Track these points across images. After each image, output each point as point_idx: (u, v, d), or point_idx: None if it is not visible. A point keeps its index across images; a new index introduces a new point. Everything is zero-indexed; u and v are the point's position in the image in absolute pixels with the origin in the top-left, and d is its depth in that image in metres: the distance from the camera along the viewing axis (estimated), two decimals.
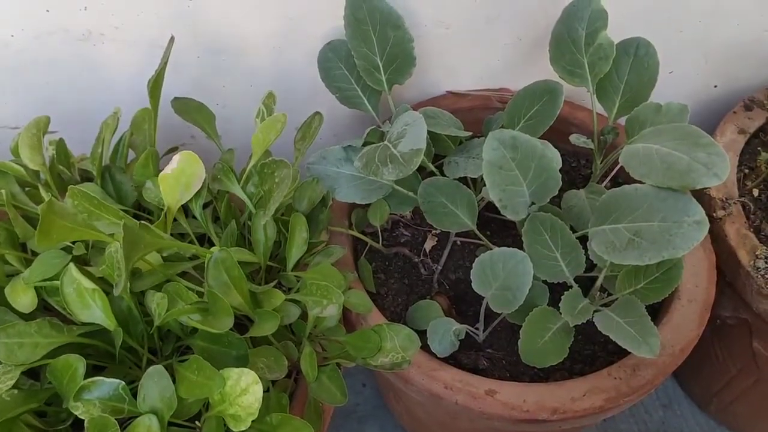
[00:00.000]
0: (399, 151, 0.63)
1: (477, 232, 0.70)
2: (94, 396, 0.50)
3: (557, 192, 0.65)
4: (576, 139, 0.73)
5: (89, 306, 0.54)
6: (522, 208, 0.64)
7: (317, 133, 0.73)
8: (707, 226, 0.56)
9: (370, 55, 0.74)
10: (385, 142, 0.66)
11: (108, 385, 0.50)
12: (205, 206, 0.66)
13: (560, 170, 0.65)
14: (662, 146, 0.58)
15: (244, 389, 0.50)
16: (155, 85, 0.65)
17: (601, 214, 0.61)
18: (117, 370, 0.58)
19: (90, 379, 0.50)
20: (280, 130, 0.65)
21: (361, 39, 0.74)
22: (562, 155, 0.70)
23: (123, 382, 0.50)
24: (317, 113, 0.73)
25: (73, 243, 0.60)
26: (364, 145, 0.70)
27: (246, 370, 0.50)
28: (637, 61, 0.72)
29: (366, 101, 0.78)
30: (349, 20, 0.73)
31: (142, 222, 0.52)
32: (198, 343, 0.57)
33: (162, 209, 0.62)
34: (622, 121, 0.73)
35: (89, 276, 0.54)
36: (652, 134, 0.61)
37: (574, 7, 0.73)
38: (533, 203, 0.65)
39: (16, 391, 0.51)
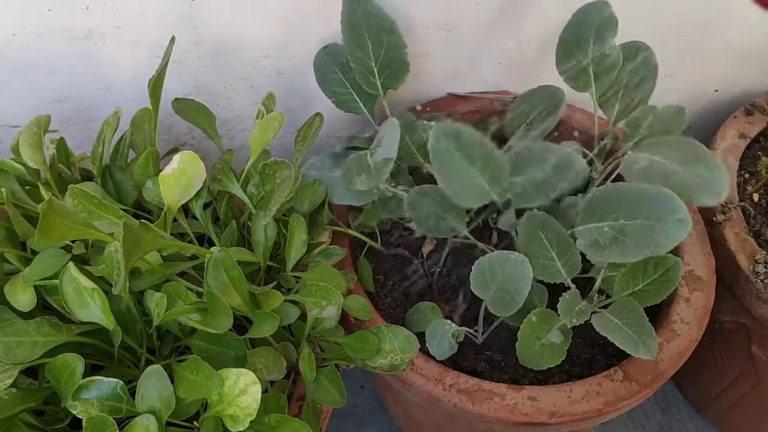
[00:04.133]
0: (373, 161, 0.63)
1: (469, 236, 0.70)
2: (92, 395, 0.50)
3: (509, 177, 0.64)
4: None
5: (88, 305, 0.54)
6: (476, 195, 0.64)
7: (318, 134, 0.73)
8: (690, 224, 0.56)
9: (365, 59, 0.74)
10: (367, 150, 0.66)
11: (106, 384, 0.50)
12: (205, 206, 0.66)
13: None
14: (663, 158, 0.58)
15: (242, 390, 0.50)
16: (156, 85, 0.65)
17: (587, 213, 0.61)
18: (115, 369, 0.58)
19: (88, 379, 0.50)
20: (277, 129, 0.65)
21: (356, 44, 0.74)
22: None
23: (121, 382, 0.50)
24: (318, 114, 0.73)
25: (73, 242, 0.60)
26: (351, 149, 0.71)
27: (244, 370, 0.50)
28: (636, 65, 0.72)
29: (362, 105, 0.78)
30: (346, 25, 0.73)
31: (142, 221, 0.52)
32: (197, 343, 0.57)
33: (162, 209, 0.62)
34: (622, 124, 0.73)
35: (88, 275, 0.54)
36: (653, 145, 0.61)
37: (584, 13, 0.73)
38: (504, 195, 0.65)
39: (14, 390, 0.51)
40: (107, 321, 0.54)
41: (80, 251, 0.59)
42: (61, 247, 0.59)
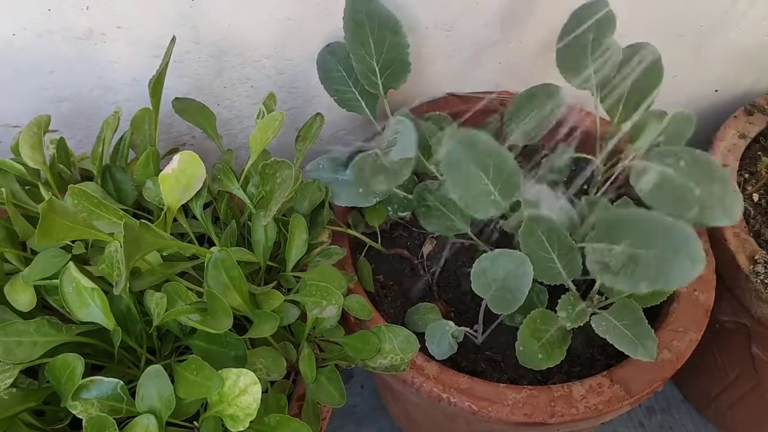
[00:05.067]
0: (389, 161, 0.62)
1: (471, 235, 0.70)
2: (92, 395, 0.50)
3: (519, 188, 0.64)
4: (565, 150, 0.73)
5: (88, 305, 0.54)
6: (486, 206, 0.63)
7: (318, 134, 0.73)
8: (704, 265, 0.53)
9: (367, 58, 0.74)
10: (376, 150, 0.65)
11: (106, 384, 0.50)
12: (205, 206, 0.66)
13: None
14: (675, 172, 0.57)
15: (242, 390, 0.50)
16: (156, 84, 0.65)
17: (601, 231, 0.60)
18: (115, 369, 0.58)
19: (88, 378, 0.50)
20: (277, 129, 0.64)
21: (359, 42, 0.74)
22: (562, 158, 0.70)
23: (121, 382, 0.50)
24: (318, 114, 0.73)
25: (73, 242, 0.60)
26: (360, 150, 0.70)
27: (244, 370, 0.50)
28: (642, 66, 0.72)
29: (363, 104, 0.78)
30: (348, 23, 0.73)
31: (143, 221, 0.52)
32: (197, 343, 0.57)
33: (162, 209, 0.62)
34: (627, 126, 0.73)
35: (88, 275, 0.54)
36: (662, 155, 0.59)
37: (583, 10, 0.73)
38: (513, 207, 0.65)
39: (14, 390, 0.51)
40: (107, 321, 0.54)
41: (80, 251, 0.59)
42: (61, 247, 0.59)
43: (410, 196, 0.72)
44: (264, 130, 0.64)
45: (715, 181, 0.55)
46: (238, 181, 0.67)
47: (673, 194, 0.56)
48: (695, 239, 0.54)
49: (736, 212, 0.54)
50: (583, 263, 0.64)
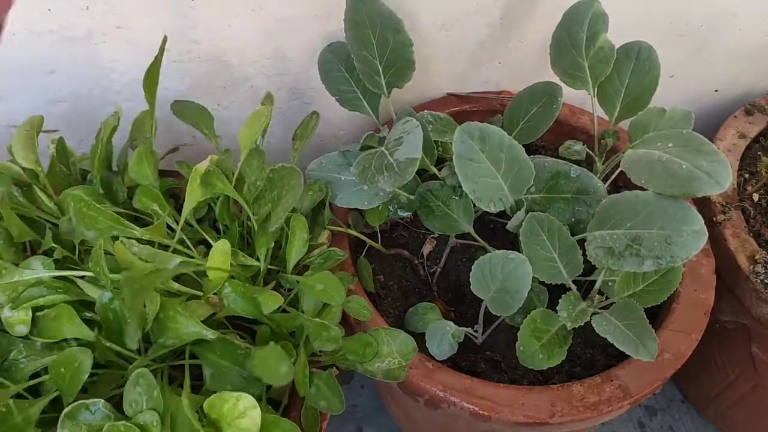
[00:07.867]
0: (395, 160, 0.62)
1: (474, 235, 0.70)
2: (79, 419, 0.50)
3: (532, 182, 0.65)
4: (565, 150, 0.73)
5: (62, 331, 0.54)
6: (497, 200, 0.64)
7: (314, 132, 0.73)
8: (706, 235, 0.56)
9: (369, 58, 0.74)
10: (382, 149, 0.65)
11: (91, 406, 0.50)
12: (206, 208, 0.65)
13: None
14: (664, 152, 0.58)
15: (242, 413, 0.49)
16: (150, 78, 0.64)
17: (600, 219, 0.61)
18: (110, 373, 0.57)
19: (72, 405, 0.50)
20: (265, 123, 0.64)
21: (361, 42, 0.73)
22: (562, 158, 0.70)
23: (103, 401, 0.50)
24: (314, 113, 0.73)
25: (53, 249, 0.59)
26: (364, 148, 0.70)
27: (244, 394, 0.50)
28: (638, 65, 0.72)
29: (366, 104, 0.77)
30: (350, 23, 0.73)
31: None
32: (207, 354, 0.56)
33: (159, 213, 0.61)
34: (623, 124, 0.73)
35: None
36: (653, 139, 0.61)
37: (575, 10, 0.73)
38: (519, 200, 0.65)
39: (11, 401, 0.51)
40: (85, 334, 0.54)
41: (61, 255, 0.59)
42: (44, 251, 0.58)
43: (412, 197, 0.72)
44: (252, 125, 0.63)
45: (703, 154, 0.57)
46: (231, 183, 0.66)
47: (663, 172, 0.57)
48: (695, 213, 0.56)
49: (725, 180, 0.55)
50: (584, 262, 0.64)
